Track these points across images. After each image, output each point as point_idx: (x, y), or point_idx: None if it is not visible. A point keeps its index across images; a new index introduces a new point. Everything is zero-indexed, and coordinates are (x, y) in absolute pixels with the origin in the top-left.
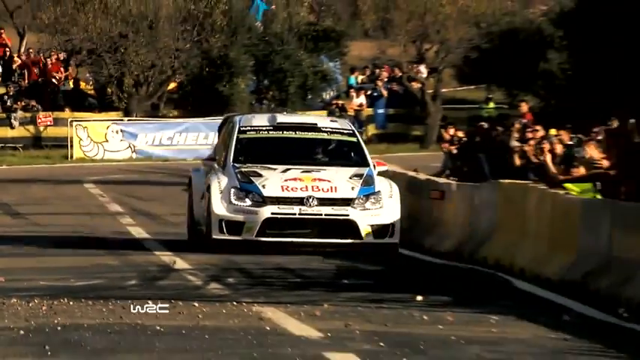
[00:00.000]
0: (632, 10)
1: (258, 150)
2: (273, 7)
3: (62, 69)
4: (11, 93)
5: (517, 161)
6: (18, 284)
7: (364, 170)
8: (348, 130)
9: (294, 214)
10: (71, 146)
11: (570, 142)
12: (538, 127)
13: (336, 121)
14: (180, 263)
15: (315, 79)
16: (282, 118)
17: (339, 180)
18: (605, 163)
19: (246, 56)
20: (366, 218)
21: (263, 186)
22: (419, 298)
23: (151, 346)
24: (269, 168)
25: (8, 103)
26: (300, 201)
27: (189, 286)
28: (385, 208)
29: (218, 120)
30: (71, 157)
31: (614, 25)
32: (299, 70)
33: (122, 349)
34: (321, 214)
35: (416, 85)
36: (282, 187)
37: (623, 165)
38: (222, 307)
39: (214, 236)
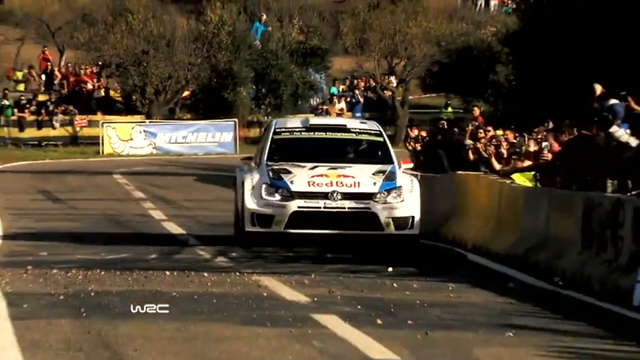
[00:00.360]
0: (567, 31)
1: (291, 149)
2: (270, 28)
3: (95, 80)
4: (53, 100)
5: (471, 156)
6: (58, 258)
7: (388, 167)
8: (376, 130)
9: (320, 207)
10: (102, 144)
11: (514, 140)
12: (489, 128)
13: (365, 122)
14: (192, 240)
15: (304, 89)
16: (315, 120)
17: (363, 176)
18: (549, 156)
19: (247, 69)
20: (386, 211)
21: (291, 182)
22: (390, 269)
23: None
24: (299, 165)
25: (50, 108)
26: (325, 195)
27: (200, 259)
28: (406, 202)
29: (224, 122)
30: (102, 152)
31: (551, 43)
32: (291, 80)
33: (137, 312)
34: (344, 208)
35: (387, 93)
36: (308, 182)
37: (565, 158)
38: (227, 276)
39: (247, 229)
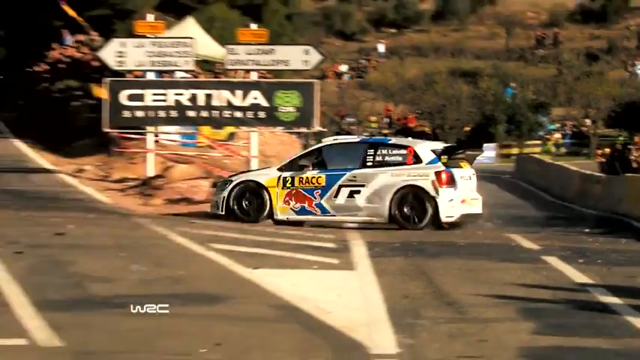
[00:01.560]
0: None
1: None
2: (516, 91)
3: (415, 121)
4: (392, 133)
5: (634, 165)
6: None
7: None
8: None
9: None
10: None
11: None
12: None
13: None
14: None
15: (535, 126)
16: (343, 138)
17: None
18: None
19: (502, 115)
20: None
21: None
22: (586, 230)
23: (457, 252)
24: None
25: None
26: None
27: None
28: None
29: (489, 145)
30: None
31: None
32: (528, 121)
33: (439, 254)
34: None
35: (584, 128)
36: None
37: None
38: (490, 233)
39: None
